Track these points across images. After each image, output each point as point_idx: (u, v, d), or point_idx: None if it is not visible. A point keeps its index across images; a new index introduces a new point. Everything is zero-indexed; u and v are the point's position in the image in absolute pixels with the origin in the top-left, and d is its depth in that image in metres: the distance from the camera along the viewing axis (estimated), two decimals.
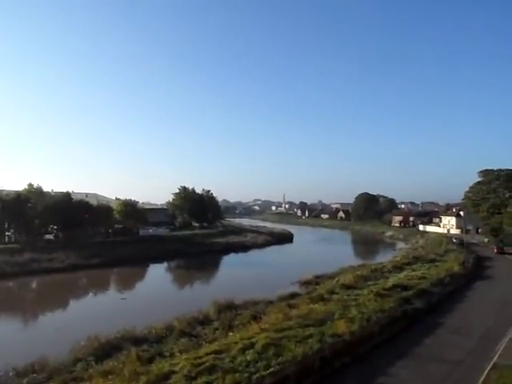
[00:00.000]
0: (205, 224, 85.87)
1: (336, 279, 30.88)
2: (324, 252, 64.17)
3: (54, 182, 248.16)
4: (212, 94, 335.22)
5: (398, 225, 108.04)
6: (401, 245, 72.07)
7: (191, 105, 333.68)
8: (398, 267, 36.69)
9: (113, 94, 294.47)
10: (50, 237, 56.68)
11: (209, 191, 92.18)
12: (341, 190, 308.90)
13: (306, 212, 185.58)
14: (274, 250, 65.51)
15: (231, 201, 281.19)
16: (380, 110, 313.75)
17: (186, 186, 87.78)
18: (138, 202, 72.47)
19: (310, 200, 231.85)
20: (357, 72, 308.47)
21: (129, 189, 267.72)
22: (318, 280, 32.59)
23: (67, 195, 60.60)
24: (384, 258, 50.13)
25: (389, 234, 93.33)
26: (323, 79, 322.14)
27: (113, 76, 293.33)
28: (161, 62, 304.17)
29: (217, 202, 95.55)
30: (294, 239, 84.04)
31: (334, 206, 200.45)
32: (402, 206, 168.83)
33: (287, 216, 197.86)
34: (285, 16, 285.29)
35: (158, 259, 50.17)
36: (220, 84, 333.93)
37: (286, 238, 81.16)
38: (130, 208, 65.55)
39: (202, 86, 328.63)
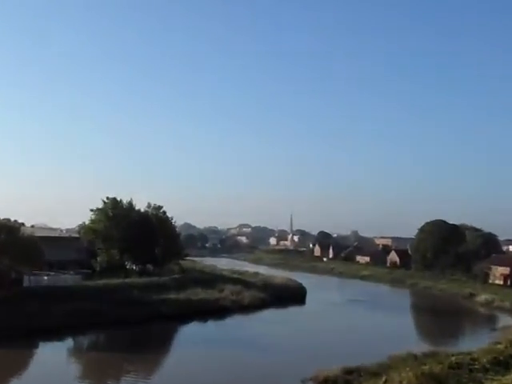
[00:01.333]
0: (149, 266, 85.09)
1: (383, 379, 30.41)
2: (360, 324, 64.59)
3: None
4: None
5: (501, 282, 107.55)
6: (507, 320, 72.32)
7: None
8: (502, 362, 35.90)
9: None
10: None
11: (160, 208, 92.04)
12: (391, 216, 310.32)
13: (330, 250, 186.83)
14: (271, 317, 65.87)
15: (199, 227, 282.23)
16: None
17: (118, 198, 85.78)
18: (22, 225, 70.80)
19: (335, 229, 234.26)
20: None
21: (10, 202, 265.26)
22: (349, 378, 32.45)
23: None
24: (474, 342, 50.24)
25: (483, 297, 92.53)
26: None
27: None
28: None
29: (173, 227, 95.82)
30: (308, 298, 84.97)
31: (380, 241, 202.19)
32: (510, 247, 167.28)
33: (296, 255, 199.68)
34: None
35: (56, 332, 48.47)
36: None
37: (292, 296, 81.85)
38: (6, 235, 63.20)
39: None
